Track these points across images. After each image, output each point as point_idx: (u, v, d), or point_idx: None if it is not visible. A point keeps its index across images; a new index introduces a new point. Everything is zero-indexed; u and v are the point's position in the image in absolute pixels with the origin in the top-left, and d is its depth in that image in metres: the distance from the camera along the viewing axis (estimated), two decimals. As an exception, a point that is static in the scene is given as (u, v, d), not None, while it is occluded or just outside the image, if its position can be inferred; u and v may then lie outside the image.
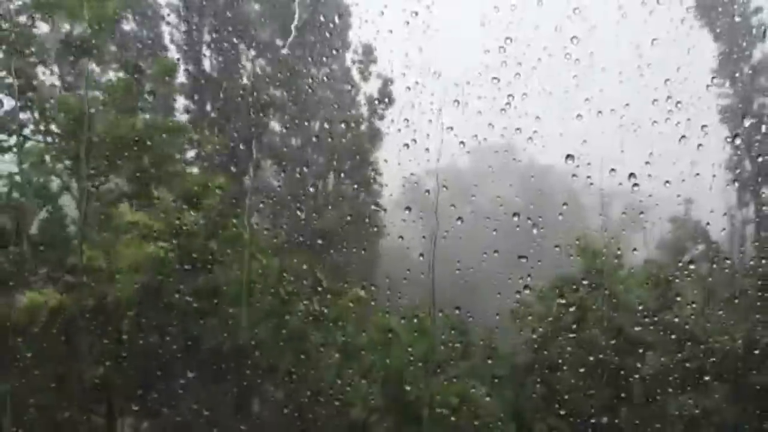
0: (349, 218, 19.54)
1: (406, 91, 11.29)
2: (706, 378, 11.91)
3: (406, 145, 10.96)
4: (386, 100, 21.17)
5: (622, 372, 12.01)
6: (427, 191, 12.00)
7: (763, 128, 19.57)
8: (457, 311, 13.72)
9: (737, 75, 19.45)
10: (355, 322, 13.72)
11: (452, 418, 12.19)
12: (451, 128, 10.42)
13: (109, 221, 9.45)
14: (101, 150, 9.56)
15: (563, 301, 12.85)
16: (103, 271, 8.98)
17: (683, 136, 11.07)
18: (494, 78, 10.27)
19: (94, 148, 9.51)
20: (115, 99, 10.00)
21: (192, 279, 11.31)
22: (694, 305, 12.31)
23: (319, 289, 13.68)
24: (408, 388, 12.58)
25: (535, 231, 12.43)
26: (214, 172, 13.43)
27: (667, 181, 10.29)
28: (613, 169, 10.63)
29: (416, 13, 11.04)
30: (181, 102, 17.88)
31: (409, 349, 12.68)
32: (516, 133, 11.34)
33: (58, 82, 10.28)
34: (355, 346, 13.31)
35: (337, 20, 20.40)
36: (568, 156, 9.71)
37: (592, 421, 11.93)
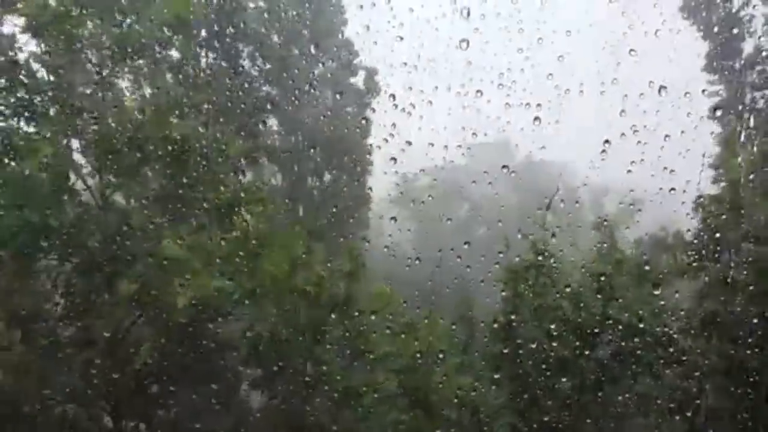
0: (345, 215, 19.92)
1: (403, 96, 11.66)
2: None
3: (402, 150, 11.34)
4: (376, 94, 21.42)
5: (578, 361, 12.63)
6: (424, 193, 12.46)
7: (753, 123, 19.77)
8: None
9: (727, 71, 19.70)
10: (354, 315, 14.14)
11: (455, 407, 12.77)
12: (442, 132, 10.82)
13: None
14: (145, 152, 9.90)
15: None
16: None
17: (667, 136, 11.53)
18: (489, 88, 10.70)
19: (140, 150, 9.87)
20: (160, 102, 10.30)
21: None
22: (656, 293, 12.81)
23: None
24: (408, 377, 13.07)
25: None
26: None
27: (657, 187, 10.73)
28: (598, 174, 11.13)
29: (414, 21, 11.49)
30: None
31: (404, 337, 13.16)
32: (510, 138, 11.78)
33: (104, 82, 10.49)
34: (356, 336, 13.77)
35: (333, 21, 20.62)
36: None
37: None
